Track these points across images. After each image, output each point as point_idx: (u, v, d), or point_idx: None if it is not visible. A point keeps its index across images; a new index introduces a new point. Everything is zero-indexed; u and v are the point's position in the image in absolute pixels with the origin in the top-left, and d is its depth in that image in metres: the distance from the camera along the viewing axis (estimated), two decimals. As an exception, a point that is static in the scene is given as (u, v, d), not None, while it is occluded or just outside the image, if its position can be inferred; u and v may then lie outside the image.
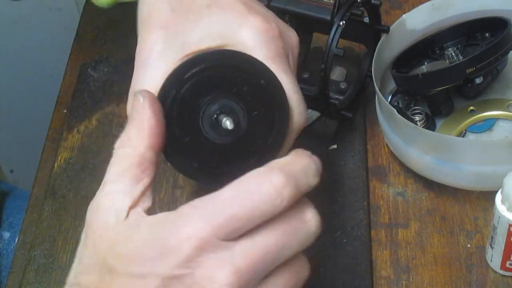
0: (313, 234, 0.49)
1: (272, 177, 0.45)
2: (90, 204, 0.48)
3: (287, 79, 0.53)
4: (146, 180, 0.48)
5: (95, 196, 0.48)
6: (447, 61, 0.77)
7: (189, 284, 0.44)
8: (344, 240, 0.70)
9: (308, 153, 0.49)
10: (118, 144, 0.50)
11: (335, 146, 0.77)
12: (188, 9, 0.58)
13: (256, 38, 0.54)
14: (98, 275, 0.45)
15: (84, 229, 0.48)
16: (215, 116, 0.50)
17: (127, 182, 0.48)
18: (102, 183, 0.48)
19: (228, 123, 0.49)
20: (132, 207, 0.47)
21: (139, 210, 0.47)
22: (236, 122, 0.50)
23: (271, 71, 0.52)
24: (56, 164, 0.79)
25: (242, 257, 0.44)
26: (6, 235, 0.93)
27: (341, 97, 0.77)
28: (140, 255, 0.44)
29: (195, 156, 0.51)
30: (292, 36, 0.58)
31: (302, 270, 0.50)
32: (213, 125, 0.50)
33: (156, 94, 0.51)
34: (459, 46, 0.78)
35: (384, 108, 0.72)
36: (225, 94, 0.51)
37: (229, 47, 0.54)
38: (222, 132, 0.50)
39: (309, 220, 0.48)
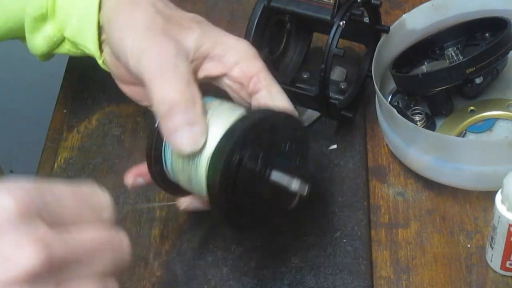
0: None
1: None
2: None
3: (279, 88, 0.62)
4: None
5: None
6: (447, 61, 0.77)
7: None
8: (344, 240, 0.70)
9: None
10: None
11: (335, 146, 0.77)
12: (177, 22, 0.64)
13: (246, 47, 0.64)
14: None
15: None
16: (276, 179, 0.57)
17: None
18: None
19: (301, 187, 0.57)
20: None
21: None
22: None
23: (300, 121, 0.61)
24: (56, 164, 0.79)
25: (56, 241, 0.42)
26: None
27: (341, 97, 0.77)
28: None
29: (246, 214, 0.58)
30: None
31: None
32: (266, 183, 0.57)
33: (177, 104, 0.57)
34: (459, 46, 0.78)
35: (384, 108, 0.72)
36: (274, 151, 0.58)
37: (224, 51, 0.62)
38: (273, 189, 0.57)
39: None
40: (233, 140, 0.55)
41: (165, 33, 0.63)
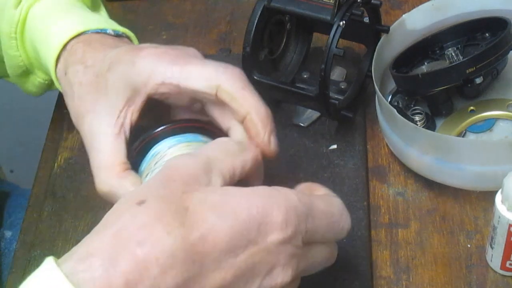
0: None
1: (348, 216, 0.56)
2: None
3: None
4: None
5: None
6: (447, 61, 0.77)
7: (273, 261, 0.51)
8: (344, 240, 0.69)
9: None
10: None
11: (335, 146, 0.77)
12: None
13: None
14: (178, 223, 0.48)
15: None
16: None
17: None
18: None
19: None
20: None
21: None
22: None
23: None
24: (56, 164, 0.79)
25: (303, 260, 0.53)
26: (8, 234, 0.93)
27: (341, 97, 0.77)
28: (250, 216, 0.49)
29: None
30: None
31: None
32: None
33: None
34: (459, 46, 0.78)
35: (384, 108, 0.72)
36: None
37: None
38: None
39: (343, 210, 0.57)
40: None
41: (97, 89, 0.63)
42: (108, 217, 0.49)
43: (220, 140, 0.56)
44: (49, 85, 0.75)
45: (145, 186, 0.51)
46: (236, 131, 0.61)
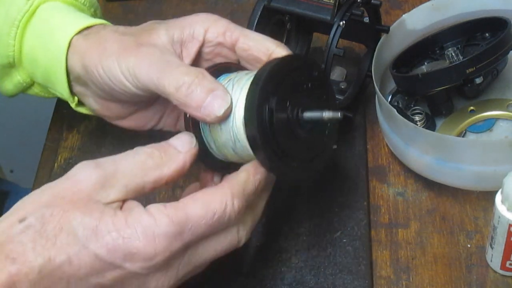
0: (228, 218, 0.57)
1: (234, 203, 0.56)
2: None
3: None
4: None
5: (106, 163, 0.57)
6: (447, 61, 0.77)
7: (139, 279, 0.54)
8: (344, 240, 0.70)
9: (261, 171, 0.59)
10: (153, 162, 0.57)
11: (335, 146, 0.77)
12: (142, 31, 0.68)
13: (206, 15, 0.69)
14: (57, 228, 0.52)
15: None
16: (302, 116, 0.59)
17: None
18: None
19: (334, 114, 0.59)
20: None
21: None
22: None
23: (314, 61, 0.63)
24: (56, 164, 0.79)
25: (186, 266, 0.56)
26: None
27: (341, 97, 0.77)
28: (112, 246, 0.52)
29: (294, 157, 0.59)
30: None
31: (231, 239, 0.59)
32: (302, 124, 0.59)
33: (190, 83, 0.59)
34: (459, 46, 0.78)
35: (384, 108, 0.72)
36: (298, 93, 0.60)
37: (191, 29, 0.67)
38: (308, 127, 0.60)
39: (241, 239, 0.59)
40: (258, 91, 0.56)
41: (140, 44, 0.65)
42: None
43: (140, 151, 0.57)
44: (26, 87, 0.75)
45: (32, 201, 0.54)
46: None
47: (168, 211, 0.54)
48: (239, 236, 0.58)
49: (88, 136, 0.81)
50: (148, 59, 0.62)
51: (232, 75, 0.63)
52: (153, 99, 0.70)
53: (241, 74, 0.62)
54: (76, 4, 0.74)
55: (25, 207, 0.54)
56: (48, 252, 0.51)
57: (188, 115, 0.61)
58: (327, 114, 0.59)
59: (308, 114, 0.59)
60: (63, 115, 0.84)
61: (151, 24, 0.68)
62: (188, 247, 0.55)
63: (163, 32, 0.66)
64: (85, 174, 0.55)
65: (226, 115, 0.59)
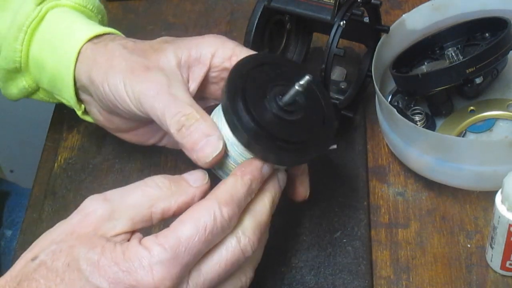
0: (248, 255, 0.58)
1: (223, 211, 0.55)
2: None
3: None
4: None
5: (114, 195, 0.57)
6: (447, 61, 0.77)
7: None
8: (344, 240, 0.70)
9: (251, 169, 0.58)
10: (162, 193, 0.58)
11: (335, 146, 0.77)
12: (151, 49, 0.68)
13: (214, 38, 0.69)
14: (65, 263, 0.53)
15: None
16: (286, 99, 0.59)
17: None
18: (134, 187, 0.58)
19: (306, 80, 0.58)
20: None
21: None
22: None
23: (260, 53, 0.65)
24: (56, 164, 0.79)
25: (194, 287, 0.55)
26: (8, 233, 0.93)
27: (341, 97, 0.77)
28: (114, 278, 0.52)
29: (279, 135, 0.59)
30: None
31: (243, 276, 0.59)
32: (286, 109, 0.59)
33: (188, 124, 0.60)
34: (459, 46, 0.78)
35: (384, 108, 0.72)
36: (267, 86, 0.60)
37: (198, 51, 0.67)
38: (294, 111, 0.60)
39: (247, 247, 0.57)
40: (230, 103, 0.58)
41: (147, 68, 0.65)
42: (12, 266, 0.55)
43: (150, 182, 0.58)
44: (31, 92, 0.76)
45: (45, 239, 0.56)
46: None
47: (159, 240, 0.53)
48: (242, 245, 0.57)
49: (88, 136, 0.81)
50: (154, 89, 0.63)
51: (217, 108, 0.63)
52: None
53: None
54: (85, 11, 0.74)
55: (38, 244, 0.55)
56: (57, 286, 0.53)
57: None
58: (299, 84, 0.58)
59: (286, 97, 0.59)
60: (63, 115, 0.84)
61: (161, 43, 0.68)
62: (188, 267, 0.54)
63: (171, 55, 0.66)
64: (92, 208, 0.56)
65: (217, 161, 0.59)
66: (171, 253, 0.53)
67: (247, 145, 0.59)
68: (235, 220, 0.56)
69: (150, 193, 0.57)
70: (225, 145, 0.59)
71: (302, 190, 0.66)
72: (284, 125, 0.59)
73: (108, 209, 0.55)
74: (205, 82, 0.68)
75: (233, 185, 0.57)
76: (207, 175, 0.60)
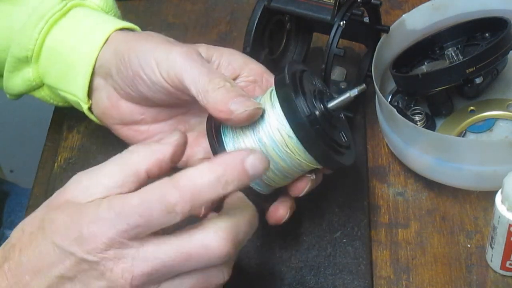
0: (214, 258, 0.54)
1: (170, 193, 0.52)
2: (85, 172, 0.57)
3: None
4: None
5: (93, 169, 0.57)
6: (447, 61, 0.77)
7: (96, 269, 0.54)
8: (344, 240, 0.70)
9: (226, 160, 0.54)
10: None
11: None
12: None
13: (244, 55, 0.69)
14: (36, 227, 0.56)
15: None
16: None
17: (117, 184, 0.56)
18: (107, 162, 0.58)
19: (360, 89, 0.62)
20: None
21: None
22: None
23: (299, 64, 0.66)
24: (56, 164, 0.79)
25: (141, 260, 0.53)
26: (8, 233, 0.93)
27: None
28: (64, 231, 0.54)
29: (328, 134, 0.61)
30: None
31: (213, 278, 0.57)
32: (332, 115, 0.62)
33: (223, 82, 0.61)
34: (459, 46, 0.78)
35: (384, 108, 0.72)
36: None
37: (229, 58, 0.67)
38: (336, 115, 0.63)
39: (209, 246, 0.54)
40: (291, 94, 0.59)
41: (182, 44, 0.66)
42: None
43: (124, 152, 0.58)
44: (34, 87, 0.76)
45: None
46: None
47: (111, 200, 0.54)
48: (209, 238, 0.53)
49: (88, 136, 0.81)
50: (190, 56, 0.64)
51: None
52: (164, 115, 0.71)
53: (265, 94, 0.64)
54: (107, 13, 0.75)
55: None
56: (26, 250, 0.56)
57: (211, 120, 0.63)
58: (352, 92, 0.61)
59: (336, 101, 0.62)
60: (63, 115, 0.84)
61: (192, 44, 0.69)
62: (132, 238, 0.53)
63: (203, 50, 0.67)
64: (71, 182, 0.57)
65: (252, 117, 0.60)
66: (112, 214, 0.53)
67: (301, 133, 0.59)
68: (183, 208, 0.52)
69: (123, 162, 0.57)
70: (262, 112, 0.60)
71: (282, 212, 0.66)
72: (330, 126, 0.61)
73: (85, 180, 0.56)
74: None
75: (198, 172, 0.53)
76: (180, 133, 0.57)
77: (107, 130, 0.76)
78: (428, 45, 0.79)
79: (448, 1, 0.79)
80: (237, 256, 0.59)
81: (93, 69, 0.70)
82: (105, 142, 0.80)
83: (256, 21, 0.73)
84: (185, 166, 0.57)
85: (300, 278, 0.67)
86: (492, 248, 0.65)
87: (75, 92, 0.72)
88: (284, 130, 0.60)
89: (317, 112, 0.60)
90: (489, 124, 0.76)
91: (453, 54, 0.77)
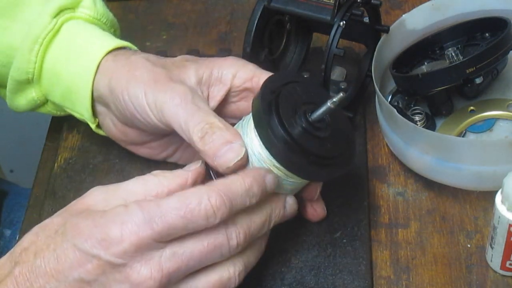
0: (234, 249, 0.58)
1: (211, 197, 0.55)
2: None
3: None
4: None
5: (113, 184, 0.59)
6: (447, 61, 0.77)
7: (121, 272, 0.54)
8: (344, 240, 0.70)
9: (253, 173, 0.59)
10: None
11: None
12: (172, 65, 0.69)
13: (235, 59, 0.69)
14: (53, 231, 0.56)
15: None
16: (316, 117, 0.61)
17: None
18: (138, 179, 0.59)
19: (338, 97, 0.60)
20: None
21: None
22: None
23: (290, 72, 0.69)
24: (56, 164, 0.79)
25: (169, 259, 0.55)
26: (7, 232, 0.93)
27: (341, 97, 0.77)
28: (87, 234, 0.54)
29: (311, 149, 0.60)
30: None
31: (227, 276, 0.59)
32: (316, 126, 0.61)
33: (211, 131, 0.61)
34: (459, 46, 0.78)
35: (384, 108, 0.72)
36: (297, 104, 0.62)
37: (220, 71, 0.68)
38: (322, 128, 0.61)
39: (232, 238, 0.57)
40: (266, 114, 0.59)
41: (171, 79, 0.66)
42: None
43: (148, 174, 0.60)
44: (39, 105, 0.76)
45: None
46: None
47: (141, 203, 0.55)
48: (229, 231, 0.57)
49: (88, 136, 0.81)
50: (178, 98, 0.64)
51: (240, 121, 0.64)
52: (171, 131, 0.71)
53: (247, 117, 0.64)
54: (99, 24, 0.74)
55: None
56: (43, 253, 0.56)
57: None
58: (331, 102, 0.60)
59: (317, 113, 0.60)
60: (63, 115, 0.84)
61: (182, 61, 0.69)
62: (162, 237, 0.55)
63: (192, 72, 0.67)
64: (91, 192, 0.58)
65: (239, 167, 0.60)
66: (145, 215, 0.54)
67: (279, 157, 0.60)
68: (222, 213, 0.56)
69: (146, 181, 0.59)
70: (247, 154, 0.60)
71: (320, 211, 0.69)
72: (313, 140, 0.60)
73: (104, 193, 0.58)
74: (223, 102, 0.69)
75: (231, 181, 0.58)
76: (201, 162, 0.61)
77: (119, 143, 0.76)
78: (428, 45, 0.79)
79: (448, 1, 0.79)
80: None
81: (92, 95, 0.70)
82: (105, 142, 0.80)
83: (256, 21, 0.73)
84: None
85: (300, 278, 0.67)
86: (492, 248, 0.65)
87: (81, 112, 0.72)
88: (265, 155, 0.60)
89: (295, 131, 0.59)
90: (489, 124, 0.76)
91: (453, 54, 0.77)
